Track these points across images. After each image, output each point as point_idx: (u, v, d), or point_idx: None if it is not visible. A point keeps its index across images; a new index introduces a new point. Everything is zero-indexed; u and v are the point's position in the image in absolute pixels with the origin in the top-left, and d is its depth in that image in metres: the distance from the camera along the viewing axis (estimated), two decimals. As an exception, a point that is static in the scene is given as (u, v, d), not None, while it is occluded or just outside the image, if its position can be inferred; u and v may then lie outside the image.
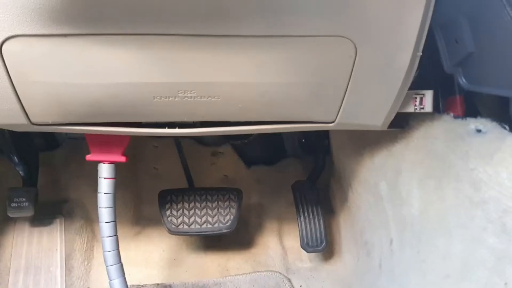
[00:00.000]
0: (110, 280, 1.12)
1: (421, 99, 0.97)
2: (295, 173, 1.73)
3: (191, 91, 0.87)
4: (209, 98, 0.88)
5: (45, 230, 1.48)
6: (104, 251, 1.12)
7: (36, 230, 1.47)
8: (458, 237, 0.87)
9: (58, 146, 1.61)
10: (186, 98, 0.88)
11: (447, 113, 0.98)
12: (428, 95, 0.96)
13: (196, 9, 0.74)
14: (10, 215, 1.34)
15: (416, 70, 0.89)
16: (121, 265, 1.13)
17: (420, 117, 1.03)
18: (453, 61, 0.91)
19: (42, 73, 0.82)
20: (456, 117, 0.96)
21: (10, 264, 1.41)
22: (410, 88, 0.92)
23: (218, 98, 0.89)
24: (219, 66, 0.84)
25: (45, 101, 0.87)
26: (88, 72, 0.82)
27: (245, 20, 0.76)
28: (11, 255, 1.43)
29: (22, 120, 0.90)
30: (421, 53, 0.85)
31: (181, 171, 1.57)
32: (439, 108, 1.01)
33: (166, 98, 0.87)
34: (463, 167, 0.87)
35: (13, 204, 1.34)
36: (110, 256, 1.11)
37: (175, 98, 0.87)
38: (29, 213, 1.35)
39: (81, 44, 0.78)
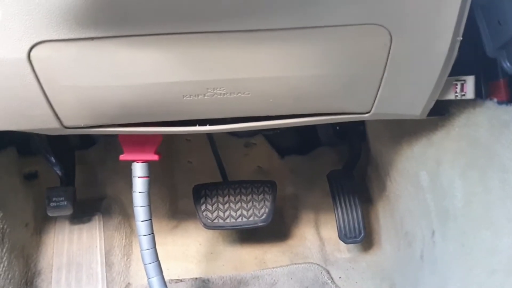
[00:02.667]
0: (149, 278, 1.13)
1: (462, 85, 0.92)
2: (330, 162, 1.70)
3: (220, 88, 0.85)
4: (239, 94, 0.86)
5: (84, 227, 1.50)
6: (141, 250, 1.12)
7: (76, 228, 1.50)
8: (504, 230, 0.83)
9: (94, 144, 1.62)
10: (216, 95, 0.86)
11: (491, 99, 0.93)
12: (470, 81, 0.91)
13: (223, 5, 0.71)
14: (50, 214, 1.37)
15: (456, 55, 0.84)
16: (159, 263, 1.14)
17: (461, 104, 0.98)
18: (496, 44, 0.86)
19: (71, 78, 0.82)
20: (500, 102, 0.91)
21: (53, 262, 1.44)
22: (450, 74, 0.88)
23: (248, 94, 0.86)
24: (248, 62, 0.81)
25: (76, 105, 0.87)
26: (117, 74, 0.81)
27: (273, 13, 0.73)
28: (53, 252, 1.46)
29: (54, 124, 0.91)
30: (461, 38, 0.80)
31: (215, 164, 1.56)
32: (482, 93, 0.95)
33: (195, 96, 0.86)
34: (509, 156, 0.82)
35: (52, 204, 1.36)
36: (148, 254, 1.12)
37: (204, 95, 0.86)
38: (68, 211, 1.37)
39: (108, 47, 0.77)
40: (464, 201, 0.94)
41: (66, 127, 0.93)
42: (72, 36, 0.75)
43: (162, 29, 0.74)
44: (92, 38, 0.76)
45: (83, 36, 0.75)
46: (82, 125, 0.93)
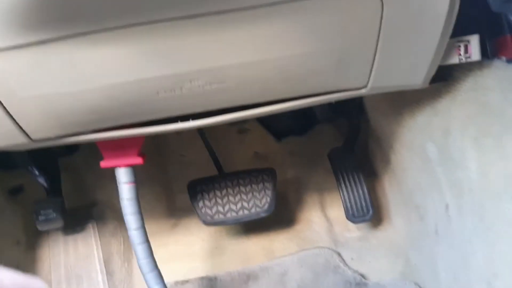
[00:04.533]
0: (150, 288, 1.06)
1: (465, 46, 0.82)
2: (329, 138, 1.61)
3: (197, 79, 0.76)
4: (220, 84, 0.77)
5: (79, 237, 1.43)
6: (138, 260, 1.05)
7: (71, 238, 1.42)
8: (529, 202, 0.75)
9: (77, 149, 1.54)
10: (194, 88, 0.77)
11: (498, 58, 0.84)
12: (474, 41, 0.81)
13: None
14: (40, 228, 1.29)
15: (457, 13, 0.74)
16: (159, 272, 1.07)
17: (466, 66, 0.89)
18: (502, -3, 0.76)
19: (30, 87, 0.73)
20: (509, 61, 0.82)
21: (51, 277, 1.38)
22: (451, 36, 0.78)
23: (230, 83, 0.77)
24: (226, 47, 0.72)
25: (41, 116, 0.78)
26: (79, 77, 0.72)
27: None
28: (50, 267, 1.39)
29: (21, 139, 0.82)
30: (461, -6, 0.71)
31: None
32: (488, 52, 0.86)
33: (171, 91, 0.77)
34: (527, 120, 0.74)
35: (40, 218, 1.28)
36: (146, 265, 1.05)
37: (181, 90, 0.77)
38: (58, 224, 1.29)
39: (65, 48, 0.68)
40: (479, 172, 0.86)
41: (34, 141, 0.84)
42: (21, 42, 0.66)
43: (120, 21, 0.65)
44: (44, 41, 0.66)
45: (32, 40, 0.66)
46: (52, 136, 0.84)
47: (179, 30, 0.68)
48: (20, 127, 0.80)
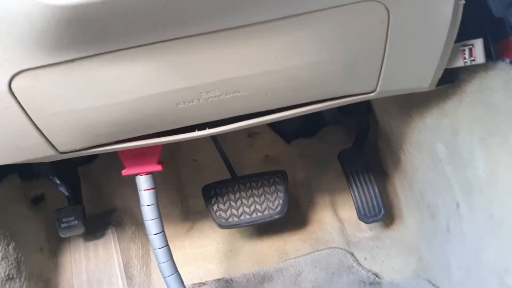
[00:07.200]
0: (171, 291, 1.09)
1: (470, 50, 0.85)
2: (338, 140, 1.64)
3: (214, 90, 0.79)
4: (235, 94, 0.81)
5: (99, 242, 1.47)
6: (158, 263, 1.09)
7: (91, 244, 1.47)
8: (537, 198, 0.77)
9: (96, 157, 1.58)
10: (211, 98, 0.81)
11: (502, 60, 0.87)
12: (478, 44, 0.84)
13: (206, 6, 0.65)
14: (62, 235, 1.33)
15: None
16: (178, 274, 1.10)
17: (471, 68, 0.91)
18: (502, 2, 0.79)
19: (58, 103, 0.77)
20: (513, 62, 0.85)
21: (73, 282, 1.42)
22: (456, 40, 0.81)
23: (245, 92, 0.81)
24: (239, 60, 0.76)
25: (69, 130, 0.83)
26: (104, 92, 0.76)
27: (260, 5, 0.67)
28: (72, 272, 1.43)
29: (49, 151, 0.87)
30: (464, 1, 0.73)
31: (221, 159, 1.52)
32: (492, 55, 0.89)
33: (189, 102, 0.81)
34: (532, 120, 0.77)
35: (63, 225, 1.33)
36: (166, 267, 1.08)
37: (199, 100, 0.81)
38: (80, 230, 1.34)
39: (91, 66, 0.72)
40: (487, 170, 0.89)
41: (62, 153, 0.89)
42: (51, 61, 0.69)
43: (144, 39, 0.69)
44: (72, 60, 0.70)
45: (62, 59, 0.69)
46: (78, 148, 0.89)
47: (197, 45, 0.71)
48: (49, 141, 0.84)
